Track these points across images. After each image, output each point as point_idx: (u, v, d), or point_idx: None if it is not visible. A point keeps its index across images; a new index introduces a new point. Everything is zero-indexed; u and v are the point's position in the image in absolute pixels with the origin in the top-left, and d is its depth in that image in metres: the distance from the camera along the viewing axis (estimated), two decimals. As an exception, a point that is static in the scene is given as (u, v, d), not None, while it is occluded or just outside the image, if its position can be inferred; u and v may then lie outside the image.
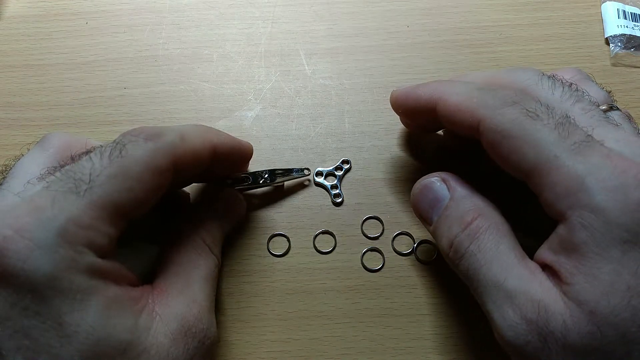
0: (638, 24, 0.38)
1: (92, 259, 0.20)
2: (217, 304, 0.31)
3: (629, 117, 0.25)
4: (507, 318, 0.21)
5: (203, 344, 0.24)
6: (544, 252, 0.22)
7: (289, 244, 0.32)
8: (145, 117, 0.35)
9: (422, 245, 0.32)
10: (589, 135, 0.22)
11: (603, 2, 0.38)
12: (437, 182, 0.26)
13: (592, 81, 0.27)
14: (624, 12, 0.38)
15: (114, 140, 0.23)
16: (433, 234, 0.26)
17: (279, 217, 0.33)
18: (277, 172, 0.32)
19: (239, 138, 0.35)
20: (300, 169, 0.33)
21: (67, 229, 0.20)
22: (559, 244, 0.21)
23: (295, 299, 0.31)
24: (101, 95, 0.36)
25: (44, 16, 0.39)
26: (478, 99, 0.24)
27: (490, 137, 0.23)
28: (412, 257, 0.32)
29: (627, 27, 0.37)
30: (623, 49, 0.37)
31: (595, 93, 0.25)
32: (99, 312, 0.20)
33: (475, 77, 0.28)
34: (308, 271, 0.31)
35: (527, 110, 0.22)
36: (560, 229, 0.21)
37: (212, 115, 0.35)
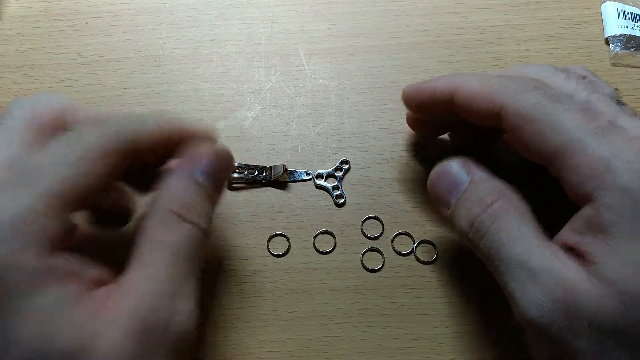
0: (638, 24, 0.38)
1: (34, 256, 0.19)
2: (217, 304, 0.31)
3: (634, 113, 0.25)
4: (531, 296, 0.21)
5: (165, 337, 0.21)
6: (567, 234, 0.22)
7: (289, 244, 0.32)
8: (145, 117, 0.35)
9: (422, 245, 0.32)
10: (610, 120, 0.22)
11: (603, 2, 0.38)
12: (455, 166, 0.26)
13: (600, 78, 0.27)
14: (624, 12, 0.38)
15: (69, 126, 0.22)
16: (451, 216, 0.26)
17: (279, 217, 0.33)
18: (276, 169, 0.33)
19: (239, 138, 0.35)
20: (307, 172, 0.34)
21: (11, 223, 0.19)
22: (585, 225, 0.21)
23: (295, 299, 0.31)
24: (101, 95, 0.36)
25: (44, 16, 0.39)
26: (498, 85, 0.24)
27: (512, 122, 0.23)
28: (412, 257, 0.32)
29: (627, 27, 0.37)
30: (623, 49, 0.37)
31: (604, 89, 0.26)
32: (40, 317, 0.19)
33: (488, 73, 0.28)
34: (308, 271, 0.31)
35: (549, 94, 0.23)
36: (586, 210, 0.21)
37: (212, 115, 0.35)
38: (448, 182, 0.26)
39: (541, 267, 0.21)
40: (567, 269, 0.21)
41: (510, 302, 0.22)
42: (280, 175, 0.32)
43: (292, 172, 0.33)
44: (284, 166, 0.33)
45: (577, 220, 0.22)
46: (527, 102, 0.23)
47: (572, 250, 0.22)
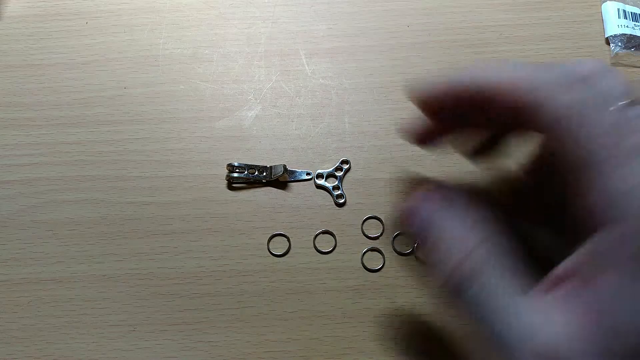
0: (638, 23, 0.38)
1: None
2: (217, 304, 0.31)
3: None
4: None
5: None
6: (567, 266, 0.20)
7: (289, 244, 0.32)
8: (145, 117, 0.35)
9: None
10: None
11: (603, 2, 0.38)
12: (423, 207, 0.23)
13: (615, 72, 0.24)
14: (625, 11, 0.38)
15: None
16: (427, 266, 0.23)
17: (279, 217, 0.33)
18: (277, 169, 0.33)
19: (239, 138, 0.35)
20: (307, 172, 0.34)
21: None
22: (586, 258, 0.19)
23: (295, 299, 0.31)
24: (101, 95, 0.36)
25: (44, 16, 0.38)
26: (536, 75, 0.21)
27: (549, 122, 0.20)
28: (412, 257, 0.32)
29: (627, 26, 0.37)
30: (623, 48, 0.37)
31: (620, 85, 0.23)
32: None
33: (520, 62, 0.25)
34: (308, 271, 0.31)
35: (590, 95, 0.20)
36: (592, 242, 0.19)
37: (212, 115, 0.35)
38: (417, 225, 0.23)
39: (522, 326, 0.19)
40: (549, 327, 0.18)
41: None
42: (280, 175, 0.32)
43: (293, 172, 0.33)
44: (284, 166, 0.33)
45: (580, 252, 0.19)
46: (568, 100, 0.20)
47: (573, 281, 0.19)
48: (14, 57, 0.37)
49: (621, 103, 0.21)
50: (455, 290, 0.21)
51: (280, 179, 0.33)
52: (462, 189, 0.23)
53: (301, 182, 0.33)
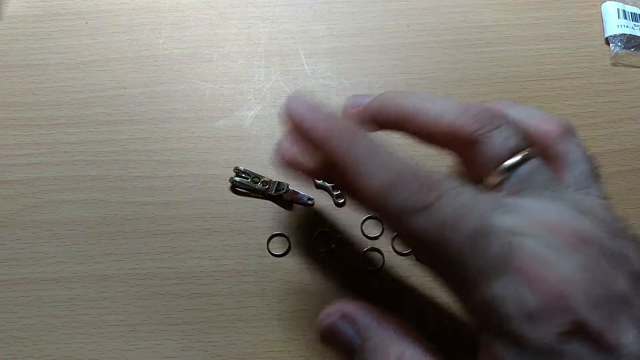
0: (638, 23, 0.38)
1: None
2: (217, 304, 0.31)
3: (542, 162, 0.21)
4: None
5: None
6: None
7: (289, 244, 0.32)
8: (145, 117, 0.35)
9: (422, 245, 0.32)
10: (504, 244, 0.18)
11: (603, 2, 0.38)
12: (342, 324, 0.22)
13: (505, 123, 0.22)
14: (624, 12, 0.38)
15: None
16: None
17: (279, 217, 0.33)
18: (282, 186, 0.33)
19: (239, 138, 0.35)
20: (309, 197, 0.33)
21: None
22: None
23: (295, 299, 0.31)
24: (101, 95, 0.36)
25: (44, 16, 0.38)
26: (389, 193, 0.19)
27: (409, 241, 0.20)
28: (412, 257, 0.32)
29: (627, 27, 0.37)
30: (623, 48, 0.37)
31: (510, 136, 0.21)
32: None
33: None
34: (308, 271, 0.31)
35: (440, 219, 0.18)
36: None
37: (212, 115, 0.35)
38: (340, 343, 0.22)
39: None
40: None
41: None
42: (283, 192, 0.32)
43: (296, 193, 0.33)
44: (288, 185, 0.32)
45: None
46: (419, 226, 0.18)
47: None
48: (14, 57, 0.37)
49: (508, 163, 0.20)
50: None
51: (284, 197, 0.33)
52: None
53: (301, 182, 0.33)
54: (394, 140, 0.24)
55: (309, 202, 0.33)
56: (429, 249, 0.19)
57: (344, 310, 0.22)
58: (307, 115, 0.21)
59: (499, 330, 0.18)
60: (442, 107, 0.22)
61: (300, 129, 0.22)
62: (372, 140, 0.21)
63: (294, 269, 0.31)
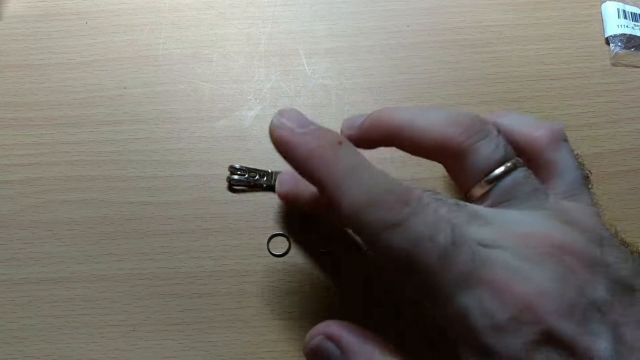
0: (638, 23, 0.38)
1: None
2: (217, 304, 0.31)
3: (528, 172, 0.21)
4: None
5: None
6: None
7: (289, 244, 0.32)
8: (145, 117, 0.35)
9: (422, 245, 0.32)
10: (471, 259, 0.18)
11: (603, 2, 0.38)
12: (326, 344, 0.22)
13: (493, 134, 0.22)
14: (624, 11, 0.38)
15: None
16: None
17: (279, 217, 0.33)
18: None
19: (239, 138, 0.35)
20: None
21: None
22: None
23: (295, 299, 0.31)
24: (101, 95, 0.36)
25: (44, 16, 0.38)
26: (365, 211, 0.20)
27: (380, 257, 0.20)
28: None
29: (627, 26, 0.37)
30: (623, 48, 0.37)
31: (487, 154, 0.21)
32: None
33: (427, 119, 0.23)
34: (308, 271, 0.31)
35: (412, 236, 0.18)
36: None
37: (212, 115, 0.35)
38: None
39: None
40: None
41: None
42: None
43: None
44: None
45: None
46: (394, 242, 0.19)
47: None
48: (14, 57, 0.37)
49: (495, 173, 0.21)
50: None
51: None
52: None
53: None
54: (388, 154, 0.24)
55: None
56: (402, 265, 0.19)
57: (327, 331, 0.22)
58: (286, 140, 0.22)
59: (469, 342, 0.18)
60: (431, 119, 0.22)
61: (282, 154, 0.22)
62: (352, 156, 0.21)
63: (294, 269, 0.31)
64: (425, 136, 0.22)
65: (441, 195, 0.20)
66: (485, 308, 0.17)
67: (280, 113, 0.23)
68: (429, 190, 0.20)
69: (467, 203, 0.21)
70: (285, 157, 0.22)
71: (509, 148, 0.21)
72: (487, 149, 0.21)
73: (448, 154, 0.22)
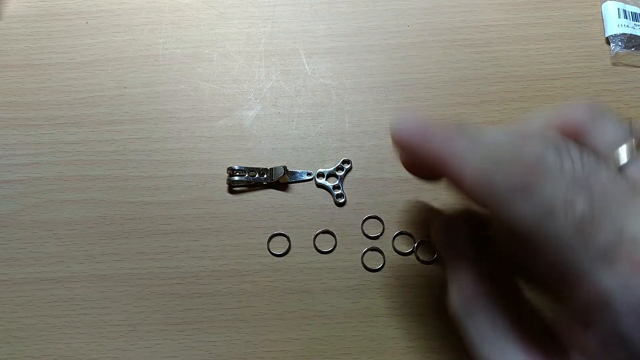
0: (638, 23, 0.38)
1: None
2: (217, 304, 0.31)
3: None
4: None
5: None
6: None
7: (289, 244, 0.32)
8: (145, 116, 0.35)
9: (422, 245, 0.32)
10: (616, 230, 0.16)
11: (603, 2, 0.38)
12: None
13: (608, 116, 0.21)
14: (625, 11, 0.38)
15: None
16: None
17: (279, 217, 0.33)
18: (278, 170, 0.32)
19: (239, 137, 0.35)
20: (308, 172, 0.33)
21: None
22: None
23: (295, 299, 0.31)
24: (101, 95, 0.36)
25: (44, 16, 0.38)
26: (489, 177, 0.18)
27: (506, 234, 0.20)
28: (413, 257, 0.32)
29: (627, 26, 0.37)
30: (623, 48, 0.37)
31: (613, 133, 0.20)
32: None
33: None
34: (308, 271, 0.31)
35: (542, 202, 0.17)
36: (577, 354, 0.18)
37: (212, 114, 0.35)
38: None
39: None
40: None
41: None
42: (281, 177, 0.32)
43: (293, 173, 0.33)
44: (285, 167, 0.32)
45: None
46: (519, 211, 0.17)
47: None
48: (14, 57, 0.37)
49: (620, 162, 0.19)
50: (458, 325, 0.22)
51: (281, 181, 0.33)
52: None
53: (301, 182, 0.33)
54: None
55: (308, 176, 0.33)
56: (527, 237, 0.17)
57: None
58: (406, 129, 0.21)
59: (604, 328, 0.16)
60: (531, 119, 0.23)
61: (411, 154, 0.23)
62: (469, 127, 0.20)
63: (294, 269, 0.31)
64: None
65: (584, 150, 0.18)
66: (632, 294, 0.15)
67: (399, 121, 0.22)
68: (566, 143, 0.18)
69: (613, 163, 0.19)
70: (403, 148, 0.22)
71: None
72: (611, 126, 0.20)
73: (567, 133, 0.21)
